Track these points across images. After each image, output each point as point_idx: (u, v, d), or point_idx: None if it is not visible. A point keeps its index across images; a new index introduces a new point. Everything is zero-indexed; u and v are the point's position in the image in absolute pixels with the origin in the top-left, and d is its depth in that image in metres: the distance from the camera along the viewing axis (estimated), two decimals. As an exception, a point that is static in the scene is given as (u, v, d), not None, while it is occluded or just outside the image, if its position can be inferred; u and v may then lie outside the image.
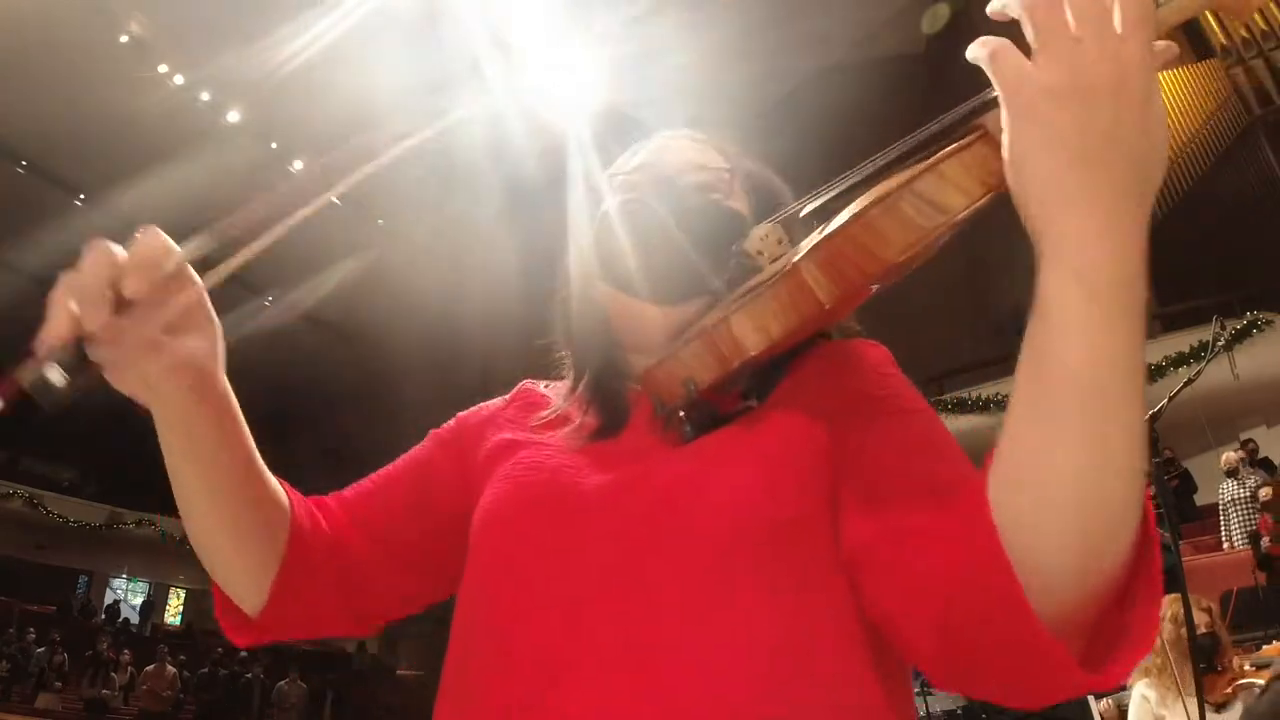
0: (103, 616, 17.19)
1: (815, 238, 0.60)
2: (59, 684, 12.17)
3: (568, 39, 11.98)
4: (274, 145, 13.92)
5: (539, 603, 0.63)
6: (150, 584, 20.55)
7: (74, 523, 17.37)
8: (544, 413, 0.82)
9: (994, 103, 0.51)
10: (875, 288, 0.60)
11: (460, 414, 0.89)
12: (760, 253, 0.73)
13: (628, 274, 0.77)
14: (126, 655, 12.56)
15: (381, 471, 0.86)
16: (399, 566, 0.81)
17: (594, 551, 0.63)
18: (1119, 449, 0.46)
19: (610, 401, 0.77)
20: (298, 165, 14.35)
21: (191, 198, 13.62)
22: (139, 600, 20.18)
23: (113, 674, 12.04)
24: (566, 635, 0.60)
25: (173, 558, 19.01)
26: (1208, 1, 0.50)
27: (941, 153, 0.53)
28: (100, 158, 13.25)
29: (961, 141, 0.53)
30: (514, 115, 12.53)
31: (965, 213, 0.53)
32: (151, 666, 10.61)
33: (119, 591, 20.17)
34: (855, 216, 0.55)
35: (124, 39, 11.79)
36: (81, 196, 14.34)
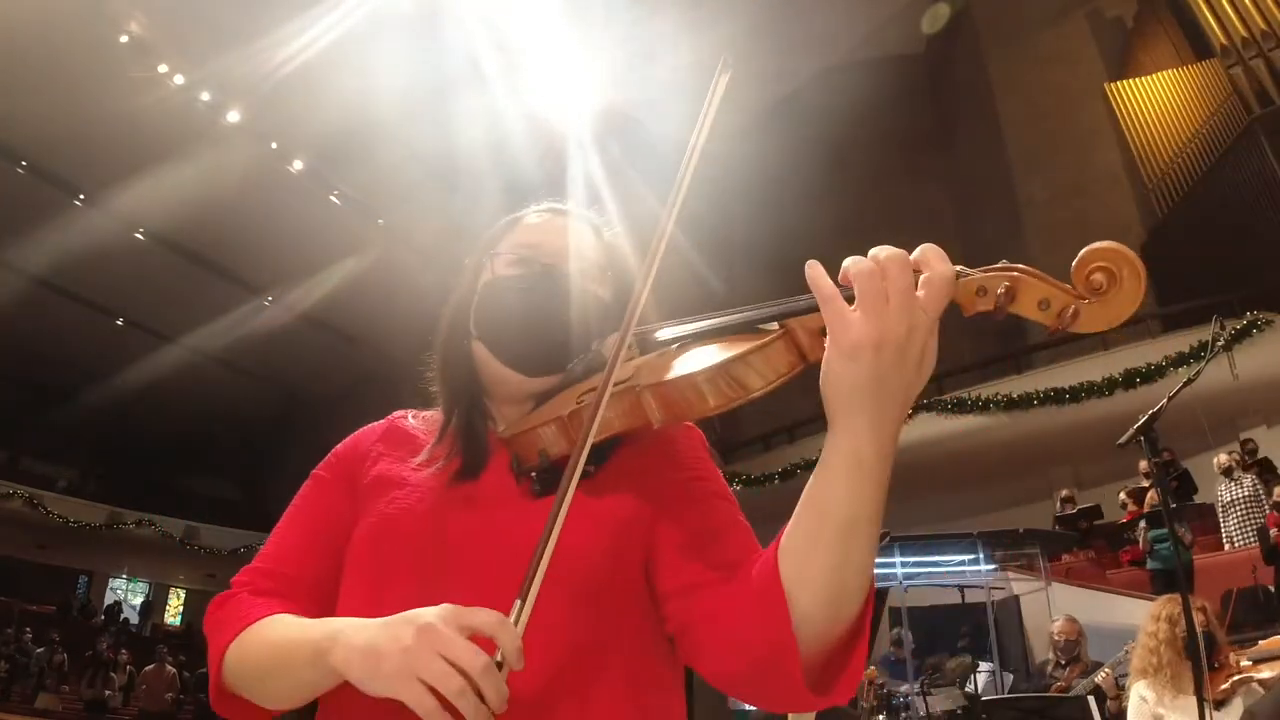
0: (102, 617, 17.19)
1: (655, 373, 0.77)
2: (59, 684, 12.18)
3: (568, 39, 11.97)
4: (274, 145, 13.91)
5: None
6: (150, 584, 20.55)
7: (74, 523, 17.36)
8: (419, 457, 0.93)
9: (807, 310, 0.69)
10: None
11: (336, 449, 1.00)
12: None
13: (502, 344, 0.92)
14: (125, 655, 12.55)
15: (290, 541, 0.95)
16: (328, 608, 0.90)
17: (456, 591, 0.75)
18: (857, 558, 0.69)
19: (474, 446, 0.90)
20: (298, 165, 14.35)
21: (191, 198, 13.66)
22: (139, 600, 20.18)
23: (112, 674, 12.04)
24: None
25: (173, 558, 19.02)
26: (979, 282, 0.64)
27: (751, 345, 0.71)
28: (100, 158, 13.25)
29: (767, 339, 0.71)
30: (514, 115, 12.53)
31: (761, 392, 0.71)
32: (151, 666, 10.61)
33: (119, 591, 20.17)
34: (686, 376, 0.73)
35: (124, 39, 11.79)
36: (81, 196, 14.33)
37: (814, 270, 0.65)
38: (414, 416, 1.02)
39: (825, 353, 0.65)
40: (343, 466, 0.97)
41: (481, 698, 0.64)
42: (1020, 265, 0.65)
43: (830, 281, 0.64)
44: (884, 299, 0.62)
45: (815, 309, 0.67)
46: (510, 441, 0.88)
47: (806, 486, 0.70)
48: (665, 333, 0.85)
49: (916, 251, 0.64)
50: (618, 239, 1.03)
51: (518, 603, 0.68)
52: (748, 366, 0.71)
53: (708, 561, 0.81)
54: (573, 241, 0.97)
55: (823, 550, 0.68)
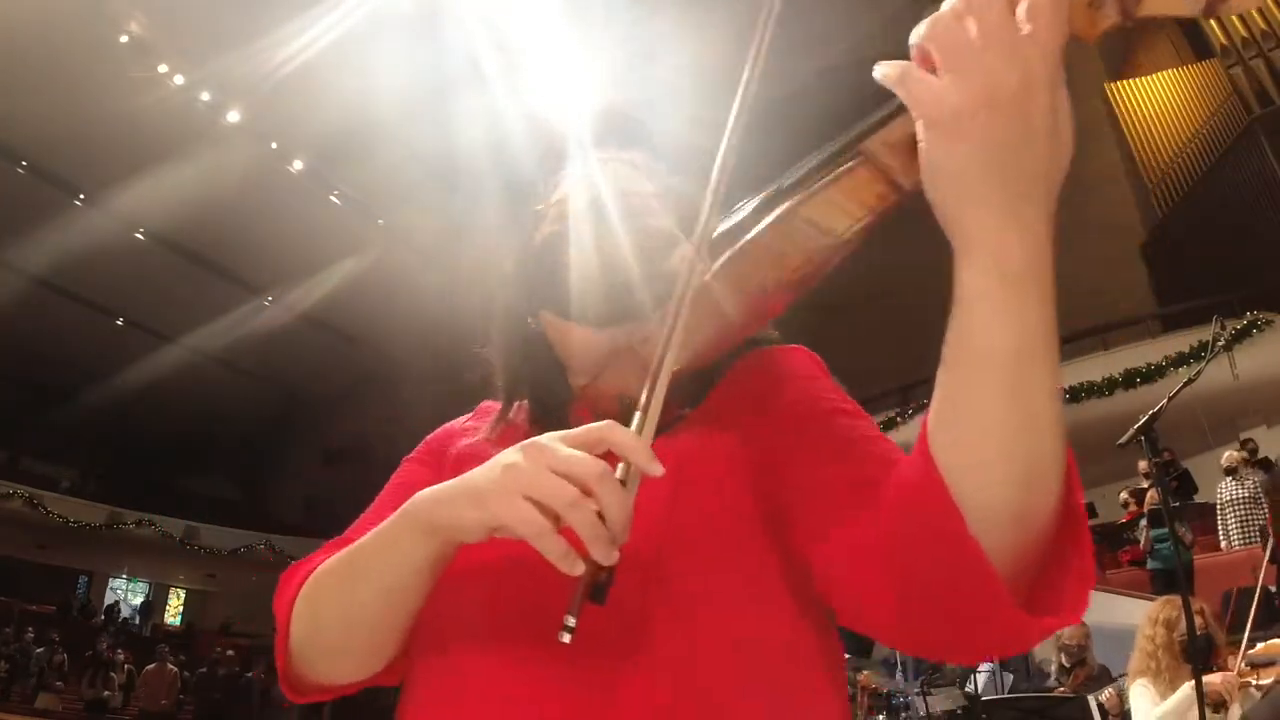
0: (102, 617, 17.19)
1: (722, 259, 0.64)
2: (59, 684, 12.18)
3: (568, 39, 11.97)
4: (274, 145, 13.92)
5: (502, 609, 0.68)
6: (150, 584, 20.54)
7: (74, 523, 17.36)
8: (488, 425, 0.85)
9: (884, 121, 0.56)
10: (782, 300, 0.65)
11: (429, 436, 0.92)
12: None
13: (562, 300, 0.80)
14: (123, 655, 12.54)
15: (372, 519, 0.83)
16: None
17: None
18: (1040, 408, 0.52)
19: (552, 411, 0.81)
20: (298, 165, 14.35)
21: (191, 198, 13.66)
22: (139, 600, 20.18)
23: (112, 674, 12.03)
24: (532, 640, 0.64)
25: (173, 558, 19.02)
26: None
27: (826, 178, 0.58)
28: (100, 158, 13.26)
29: (844, 167, 0.57)
30: (514, 115, 12.52)
31: (849, 233, 0.58)
32: (151, 666, 10.61)
33: (119, 591, 20.16)
34: (751, 238, 0.60)
35: (124, 39, 11.79)
36: (81, 196, 14.34)
37: (880, 66, 0.51)
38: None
39: (923, 147, 0.50)
40: (431, 450, 0.89)
41: (601, 517, 0.53)
42: None
43: (898, 63, 0.50)
44: (974, 46, 0.46)
45: (894, 116, 0.54)
46: (586, 397, 0.79)
47: (946, 342, 0.54)
48: (734, 219, 0.69)
49: None
50: (678, 177, 0.91)
51: (637, 415, 0.57)
52: (827, 204, 0.58)
53: (841, 490, 0.65)
54: (611, 179, 0.87)
55: (984, 409, 0.52)
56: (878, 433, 0.72)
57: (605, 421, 0.57)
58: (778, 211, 0.59)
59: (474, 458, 0.76)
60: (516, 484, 0.56)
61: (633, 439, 0.56)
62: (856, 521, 0.61)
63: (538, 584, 0.62)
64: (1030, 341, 0.51)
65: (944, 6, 0.48)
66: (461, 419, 0.93)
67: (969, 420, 0.53)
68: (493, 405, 0.91)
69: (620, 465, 0.55)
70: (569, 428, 0.72)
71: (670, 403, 0.69)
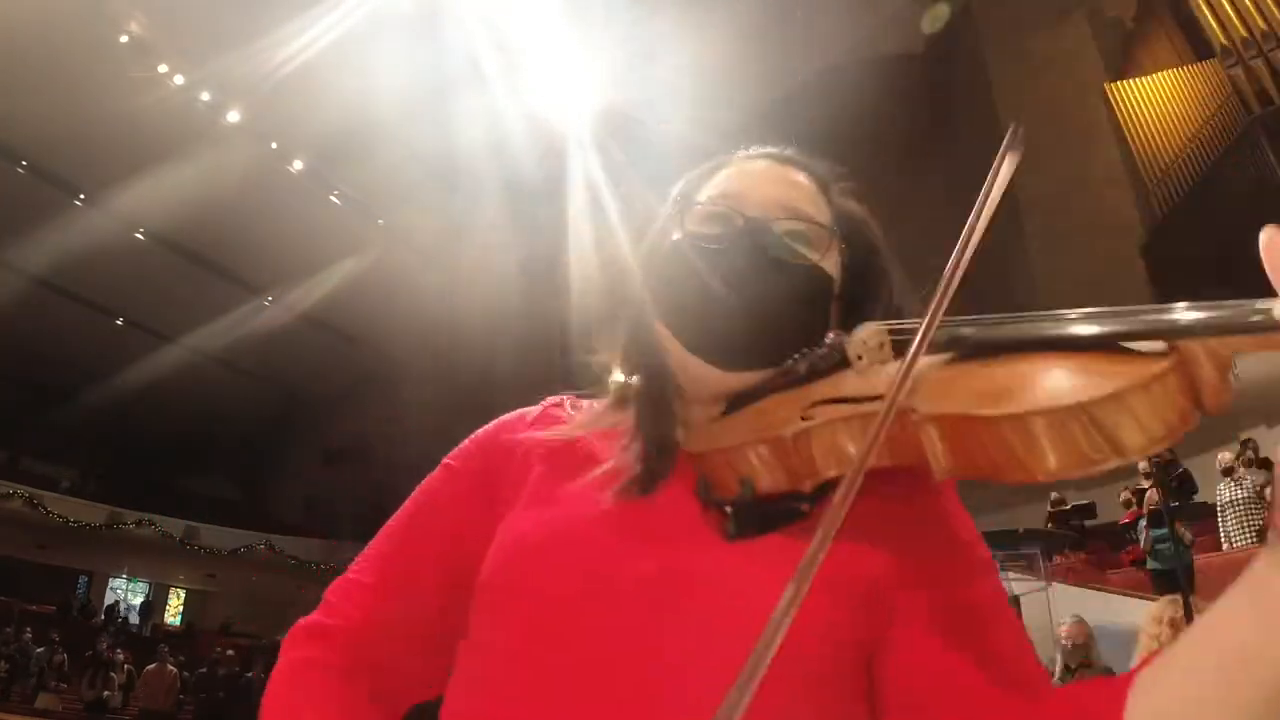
0: (102, 617, 17.19)
1: (947, 397, 0.52)
2: (59, 684, 12.18)
3: (568, 39, 11.97)
4: (274, 145, 13.92)
5: (560, 690, 0.59)
6: (150, 584, 20.54)
7: (74, 523, 17.35)
8: (597, 470, 0.69)
9: (1223, 329, 0.46)
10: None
11: (477, 437, 0.78)
12: (860, 357, 0.61)
13: (691, 329, 0.69)
14: (122, 655, 12.54)
15: (400, 550, 0.75)
16: (434, 656, 0.71)
17: (626, 651, 0.58)
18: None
19: (655, 453, 0.67)
20: (298, 165, 14.35)
21: (191, 198, 13.66)
22: (139, 600, 20.17)
23: (112, 674, 12.03)
24: None
25: (173, 558, 19.01)
26: None
27: (1130, 378, 0.45)
28: (100, 158, 13.26)
29: (1153, 369, 0.45)
30: (514, 115, 12.52)
31: (1136, 457, 0.45)
32: (151, 666, 10.60)
33: (119, 591, 20.16)
34: (1014, 416, 0.47)
35: (124, 39, 11.80)
36: (81, 196, 14.34)
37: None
38: (572, 406, 0.79)
39: None
40: (480, 457, 0.75)
41: None
42: None
43: None
44: None
45: (1248, 328, 0.46)
46: (703, 460, 0.65)
47: (1206, 624, 0.49)
48: (951, 333, 0.56)
49: None
50: (851, 201, 0.77)
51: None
52: (1124, 412, 0.45)
53: (972, 659, 0.58)
54: (789, 192, 0.73)
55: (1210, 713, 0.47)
56: (1009, 607, 0.64)
57: None
58: (1054, 402, 0.46)
59: (541, 497, 0.68)
60: None
61: None
62: (994, 706, 0.56)
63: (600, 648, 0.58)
64: None
65: None
66: (524, 418, 0.78)
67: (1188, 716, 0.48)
68: (555, 407, 0.79)
69: None
70: (669, 470, 0.66)
71: (787, 492, 0.60)
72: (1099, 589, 8.28)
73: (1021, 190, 15.00)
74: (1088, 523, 10.22)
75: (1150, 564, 7.56)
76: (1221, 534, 7.96)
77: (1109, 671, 4.82)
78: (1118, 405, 0.45)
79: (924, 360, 0.54)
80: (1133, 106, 14.11)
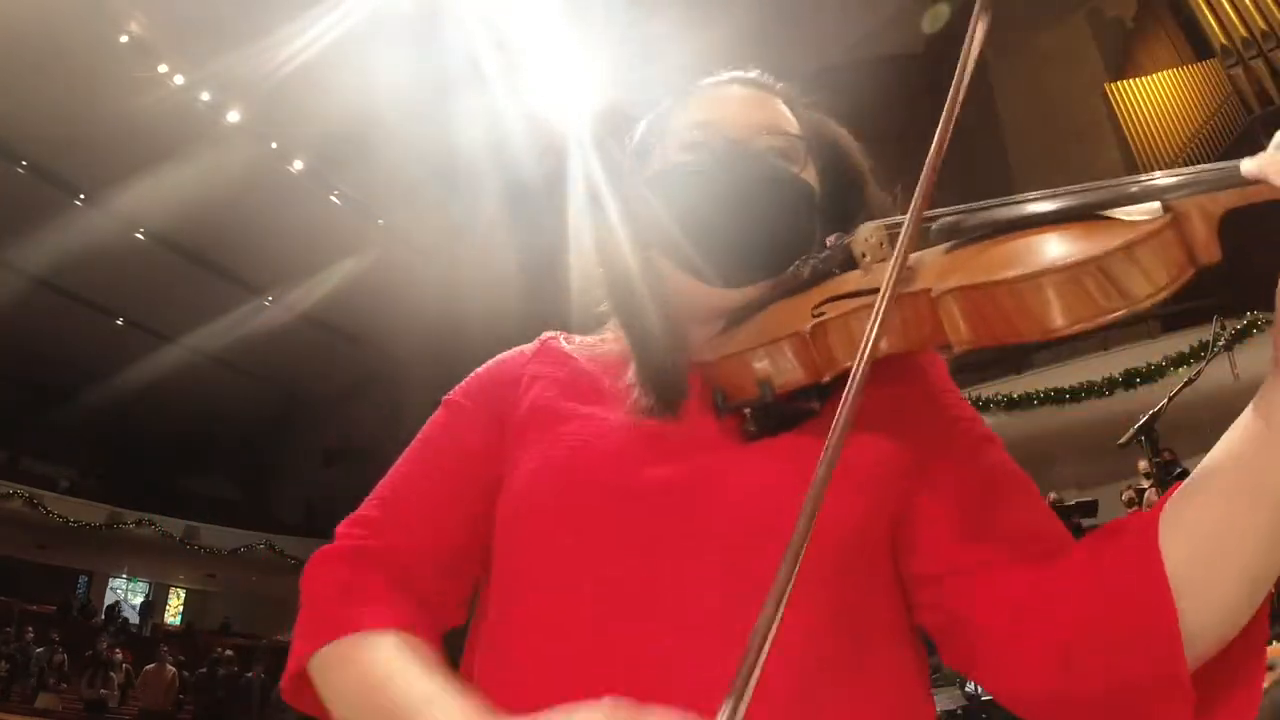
0: (102, 617, 17.18)
1: (963, 271, 0.55)
2: (59, 684, 12.18)
3: (568, 39, 11.97)
4: (274, 145, 13.92)
5: (608, 601, 0.60)
6: (150, 584, 20.54)
7: (74, 523, 17.35)
8: (585, 389, 0.72)
9: (1212, 185, 0.50)
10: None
11: (479, 373, 0.79)
12: (864, 255, 0.64)
13: (688, 253, 0.70)
14: (120, 655, 12.54)
15: (418, 488, 0.74)
16: (460, 580, 0.73)
17: (675, 564, 0.59)
18: None
19: (666, 380, 0.68)
20: (298, 165, 14.35)
21: (191, 198, 13.66)
22: (139, 600, 20.17)
23: (111, 674, 12.03)
24: (632, 643, 0.58)
25: (173, 558, 19.01)
26: None
27: (1133, 234, 0.49)
28: (100, 158, 13.25)
29: (1152, 225, 0.49)
30: (514, 115, 12.52)
31: (1144, 304, 0.49)
32: (151, 666, 10.61)
33: (119, 591, 20.16)
34: (1028, 275, 0.50)
35: (124, 39, 11.79)
36: (81, 196, 14.33)
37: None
38: (563, 337, 0.81)
39: None
40: (483, 392, 0.76)
41: None
42: None
43: None
44: None
45: (1230, 183, 0.50)
46: (716, 370, 0.67)
47: (1228, 446, 0.53)
48: (947, 222, 0.60)
49: None
50: (818, 113, 0.81)
51: (748, 657, 0.44)
52: (1131, 263, 0.49)
53: (993, 532, 0.60)
54: (762, 112, 0.74)
55: (1247, 541, 0.50)
56: (1022, 471, 0.67)
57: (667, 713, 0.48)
58: (1066, 258, 0.50)
59: (557, 416, 0.69)
60: None
61: None
62: (1011, 577, 0.58)
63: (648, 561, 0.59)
64: None
65: None
66: (523, 352, 0.79)
67: (1226, 549, 0.51)
68: (555, 342, 0.80)
69: None
70: (683, 393, 0.67)
71: (805, 387, 0.63)
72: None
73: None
74: (1086, 522, 10.22)
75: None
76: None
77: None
78: (1126, 256, 0.49)
79: (927, 250, 0.59)
80: (1133, 106, 14.11)
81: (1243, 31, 12.29)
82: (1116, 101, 14.30)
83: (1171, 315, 11.54)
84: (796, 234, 0.69)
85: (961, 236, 0.59)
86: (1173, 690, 0.50)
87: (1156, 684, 0.51)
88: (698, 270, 0.70)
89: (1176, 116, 13.53)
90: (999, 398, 11.90)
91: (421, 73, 12.35)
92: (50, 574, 17.94)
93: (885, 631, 0.62)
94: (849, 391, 0.49)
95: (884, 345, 0.57)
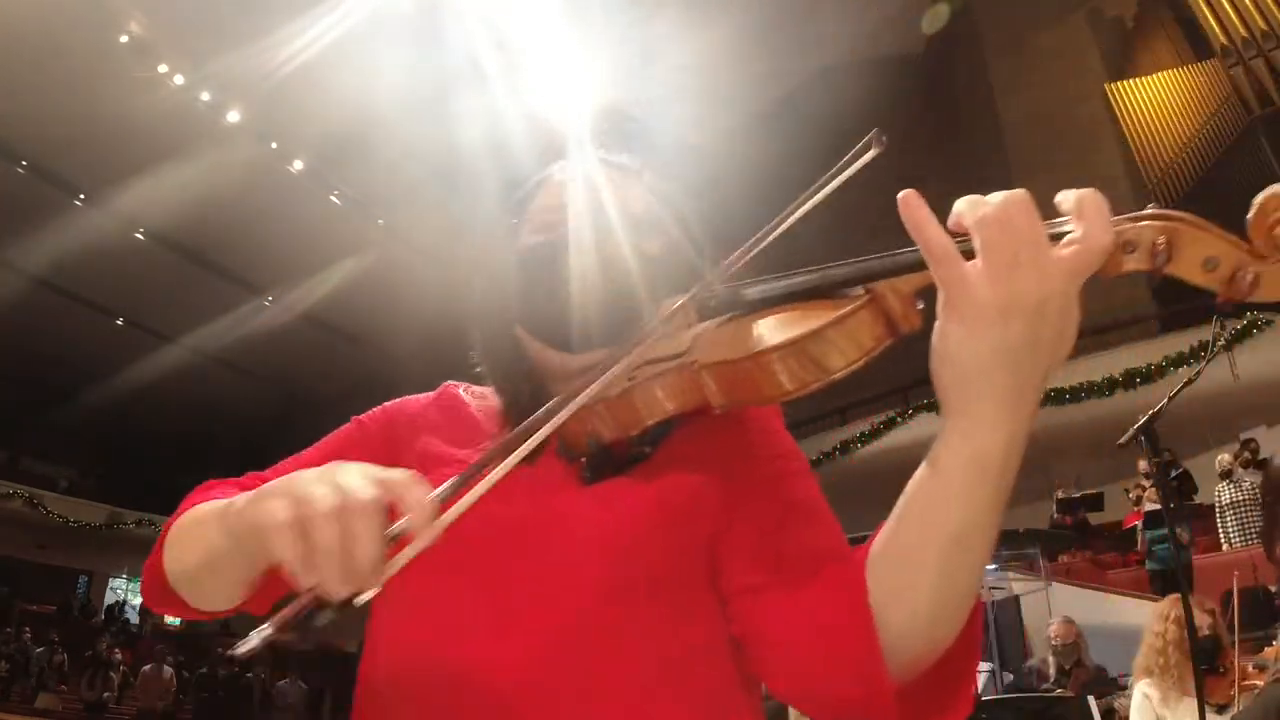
0: (102, 617, 17.19)
1: (716, 347, 0.66)
2: (59, 684, 12.18)
3: (568, 39, 11.97)
4: (274, 145, 13.91)
5: (456, 626, 0.70)
6: (150, 584, 20.55)
7: (74, 523, 17.36)
8: (465, 435, 0.83)
9: (901, 269, 0.57)
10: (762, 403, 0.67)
11: (386, 405, 0.90)
12: (668, 324, 0.75)
13: (539, 325, 0.81)
14: (120, 655, 12.54)
15: (304, 457, 0.86)
16: None
17: (515, 584, 0.70)
18: (963, 582, 0.59)
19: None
20: (298, 165, 14.35)
21: (191, 198, 13.66)
22: (139, 600, 20.18)
23: (111, 674, 12.04)
24: (484, 661, 0.67)
25: (173, 558, 19.01)
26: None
27: (830, 317, 0.59)
28: (100, 158, 13.25)
29: (850, 308, 0.59)
30: (514, 115, 12.52)
31: (843, 372, 0.59)
32: (148, 667, 10.61)
33: (119, 591, 20.17)
34: (752, 356, 0.62)
35: (124, 39, 11.78)
36: (81, 196, 14.33)
37: (917, 213, 0.52)
38: (466, 390, 0.91)
39: (939, 325, 0.53)
40: (386, 424, 0.87)
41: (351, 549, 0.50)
42: (1177, 212, 0.54)
43: (942, 231, 0.51)
44: (1013, 258, 0.49)
45: (911, 268, 0.56)
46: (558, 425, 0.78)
47: (910, 486, 0.59)
48: (731, 294, 0.71)
49: (1070, 197, 0.52)
50: (667, 185, 0.89)
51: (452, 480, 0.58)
52: (826, 344, 0.59)
53: (781, 556, 0.70)
54: (605, 194, 0.84)
55: (924, 566, 0.58)
56: (825, 506, 0.77)
57: (412, 475, 0.55)
58: (778, 341, 0.61)
59: (439, 460, 0.80)
60: (289, 489, 0.54)
61: (420, 501, 0.53)
62: (785, 597, 0.67)
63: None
64: (984, 519, 0.56)
65: (992, 203, 0.51)
66: (421, 399, 0.91)
67: (911, 574, 0.59)
68: (455, 391, 0.91)
69: (402, 520, 0.53)
70: (537, 457, 0.76)
71: (633, 441, 0.74)
72: (1099, 589, 8.27)
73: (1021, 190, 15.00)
74: (1091, 518, 10.22)
75: (1148, 565, 7.57)
76: (1221, 535, 7.97)
77: (1101, 671, 4.82)
78: (818, 338, 0.59)
79: (707, 324, 0.71)
80: (1133, 106, 14.11)
81: (1243, 31, 12.29)
82: (1116, 101, 14.29)
83: (1171, 315, 11.55)
84: (634, 305, 0.78)
85: (731, 312, 0.71)
86: (874, 689, 0.59)
87: (865, 688, 0.60)
88: (547, 338, 0.81)
89: (1176, 116, 13.53)
90: (999, 398, 11.90)
91: (421, 73, 12.35)
92: (50, 574, 17.95)
93: (702, 642, 0.71)
94: (550, 416, 0.64)
95: (671, 405, 0.69)
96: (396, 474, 0.55)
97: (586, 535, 0.71)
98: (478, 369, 0.89)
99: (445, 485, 0.58)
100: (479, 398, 0.89)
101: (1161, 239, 0.52)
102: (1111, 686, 4.63)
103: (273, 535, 0.52)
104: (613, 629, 0.68)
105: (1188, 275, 0.52)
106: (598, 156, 0.89)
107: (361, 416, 0.89)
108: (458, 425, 0.85)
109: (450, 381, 0.92)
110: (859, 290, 0.60)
